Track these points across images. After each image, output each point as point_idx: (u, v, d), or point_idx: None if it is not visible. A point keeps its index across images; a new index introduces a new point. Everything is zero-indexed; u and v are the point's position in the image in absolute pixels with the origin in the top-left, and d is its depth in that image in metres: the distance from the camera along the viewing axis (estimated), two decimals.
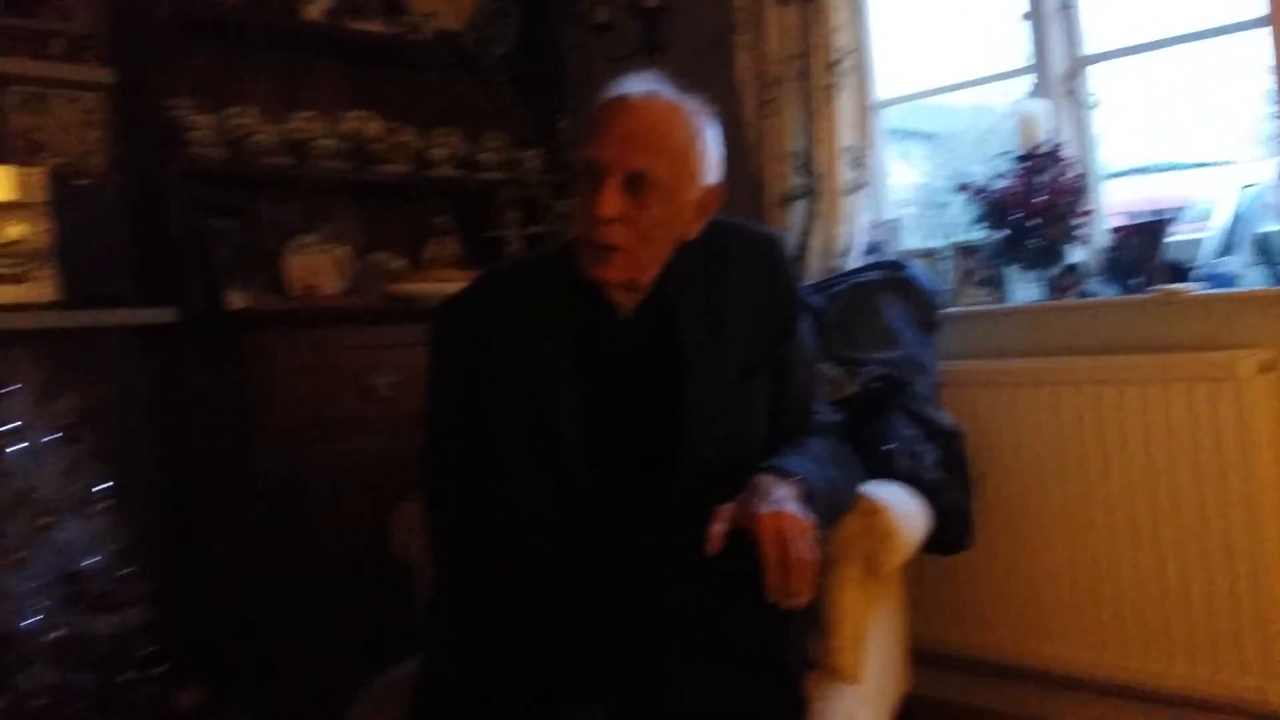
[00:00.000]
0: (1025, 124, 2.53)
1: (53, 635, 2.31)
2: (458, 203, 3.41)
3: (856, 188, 2.69)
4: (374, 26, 3.11)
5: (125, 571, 2.43)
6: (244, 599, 2.61)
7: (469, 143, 3.31)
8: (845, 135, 2.69)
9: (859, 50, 2.74)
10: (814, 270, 2.68)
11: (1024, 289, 2.56)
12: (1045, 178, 2.46)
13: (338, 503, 2.60)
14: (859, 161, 2.70)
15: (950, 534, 2.18)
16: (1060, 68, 2.60)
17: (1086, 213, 2.47)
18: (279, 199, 3.06)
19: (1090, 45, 2.58)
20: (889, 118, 2.93)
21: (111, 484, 2.45)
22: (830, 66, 2.68)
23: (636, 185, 1.48)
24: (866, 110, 2.74)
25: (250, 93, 2.99)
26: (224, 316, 2.65)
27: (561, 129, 3.41)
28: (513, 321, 1.58)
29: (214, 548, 2.71)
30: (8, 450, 2.32)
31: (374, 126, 3.10)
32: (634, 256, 1.52)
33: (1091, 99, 2.59)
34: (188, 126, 2.75)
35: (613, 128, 1.50)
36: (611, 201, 1.47)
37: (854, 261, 2.67)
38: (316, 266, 2.97)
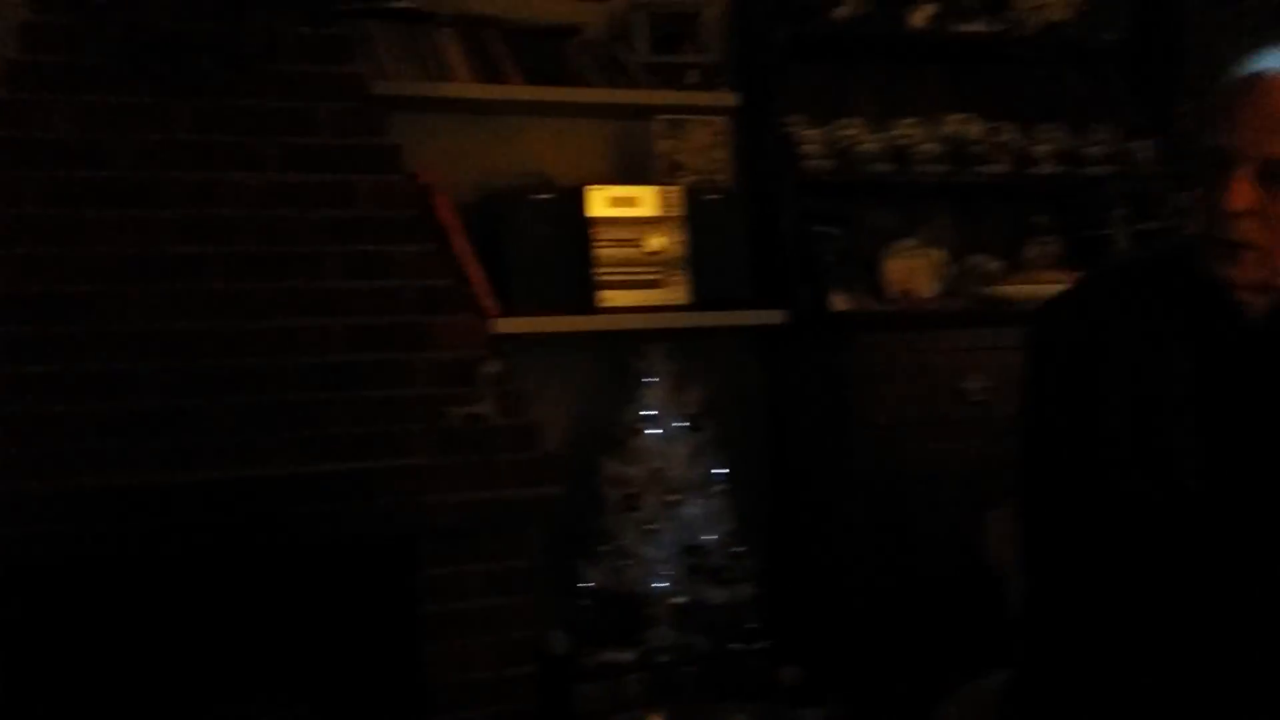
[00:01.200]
0: None
1: (675, 600, 2.65)
2: (1059, 201, 3.31)
3: None
4: (978, 27, 3.11)
5: (736, 549, 2.73)
6: (838, 588, 2.76)
7: (1073, 137, 3.18)
8: None
9: None
10: None
11: None
12: None
13: (930, 503, 2.67)
14: None
15: None
16: None
17: None
18: (879, 205, 3.18)
19: None
20: None
21: (727, 469, 2.76)
22: None
23: (1274, 175, 1.33)
24: None
25: (856, 104, 3.15)
26: (828, 318, 2.83)
27: (1181, 115, 3.13)
28: (1119, 325, 1.49)
29: (813, 535, 2.89)
30: (647, 433, 2.70)
31: (974, 128, 3.10)
32: (1268, 255, 1.36)
33: None
34: (800, 141, 2.97)
35: (1244, 110, 1.35)
36: (1242, 193, 1.33)
37: None
38: (914, 270, 3.05)
